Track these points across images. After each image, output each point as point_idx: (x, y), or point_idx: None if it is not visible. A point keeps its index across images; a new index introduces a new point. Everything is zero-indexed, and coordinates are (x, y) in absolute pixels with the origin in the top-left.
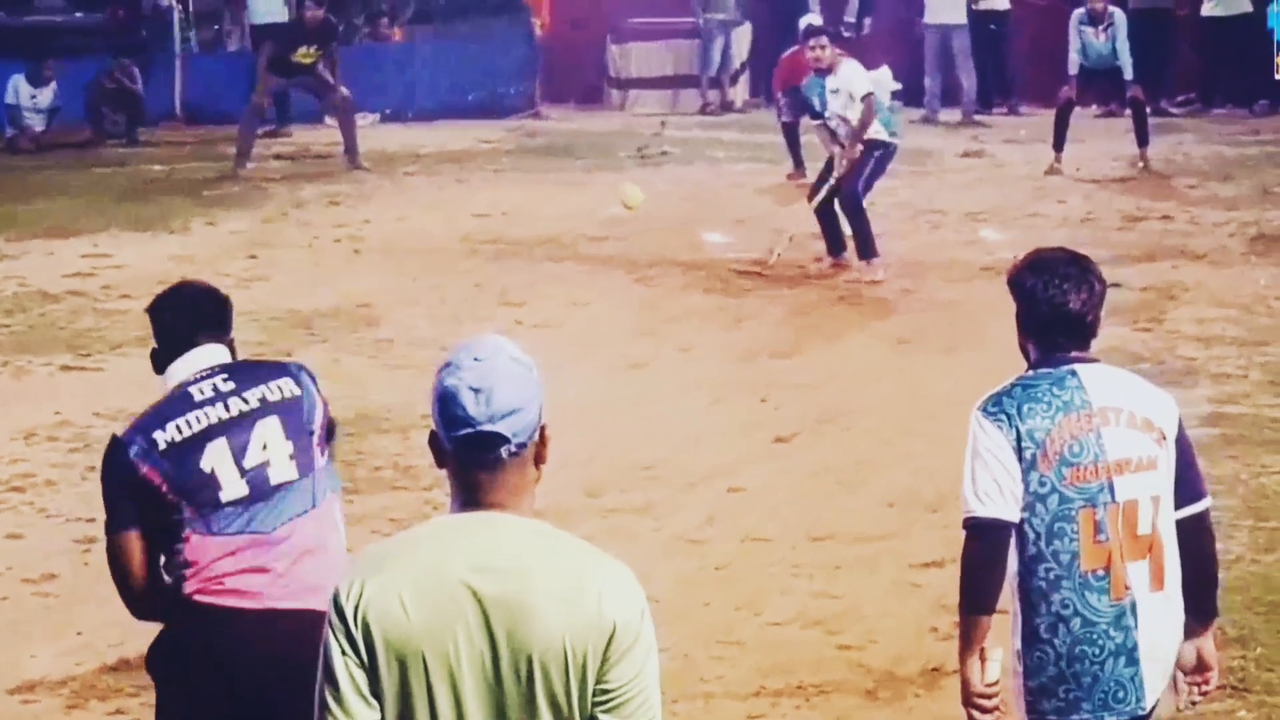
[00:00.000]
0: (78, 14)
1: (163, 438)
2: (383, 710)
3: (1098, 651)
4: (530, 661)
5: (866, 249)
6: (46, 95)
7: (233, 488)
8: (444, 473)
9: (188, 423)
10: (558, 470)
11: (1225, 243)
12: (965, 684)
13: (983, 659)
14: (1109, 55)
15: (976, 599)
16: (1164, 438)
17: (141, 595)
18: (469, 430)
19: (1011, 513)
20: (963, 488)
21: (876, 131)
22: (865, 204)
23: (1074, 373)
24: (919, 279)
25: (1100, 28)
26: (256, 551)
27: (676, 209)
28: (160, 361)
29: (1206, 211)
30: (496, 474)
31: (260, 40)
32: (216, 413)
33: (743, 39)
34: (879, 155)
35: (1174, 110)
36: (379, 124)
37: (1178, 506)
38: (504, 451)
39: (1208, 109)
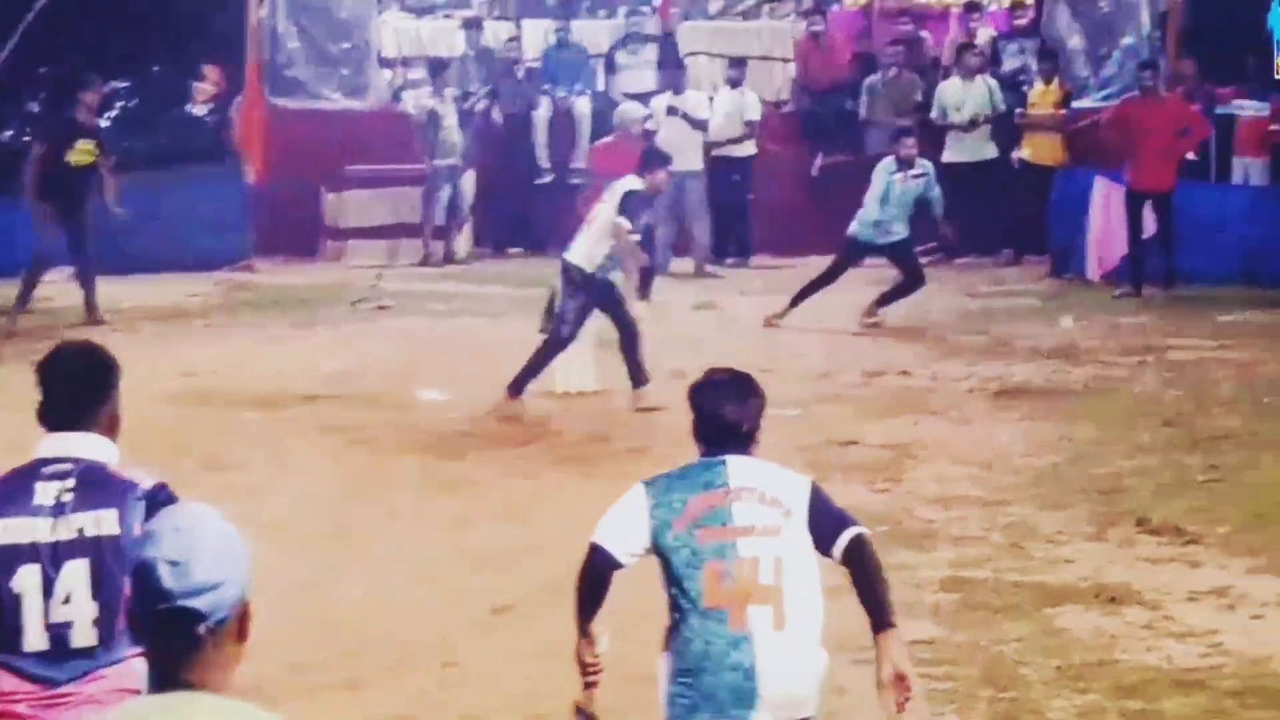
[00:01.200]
0: None
1: None
2: None
3: (714, 666)
4: None
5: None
6: None
7: (35, 636)
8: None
9: (16, 527)
10: (260, 646)
11: (966, 398)
12: (577, 654)
13: (591, 640)
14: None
15: (581, 605)
16: (790, 513)
17: None
18: (164, 606)
19: (620, 553)
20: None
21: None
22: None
23: (724, 462)
24: (653, 439)
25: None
26: (41, 698)
27: (392, 365)
28: (43, 422)
29: (947, 365)
30: (194, 652)
31: None
32: (42, 530)
33: (467, 185)
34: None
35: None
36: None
37: (833, 543)
38: (202, 629)
39: (950, 258)
